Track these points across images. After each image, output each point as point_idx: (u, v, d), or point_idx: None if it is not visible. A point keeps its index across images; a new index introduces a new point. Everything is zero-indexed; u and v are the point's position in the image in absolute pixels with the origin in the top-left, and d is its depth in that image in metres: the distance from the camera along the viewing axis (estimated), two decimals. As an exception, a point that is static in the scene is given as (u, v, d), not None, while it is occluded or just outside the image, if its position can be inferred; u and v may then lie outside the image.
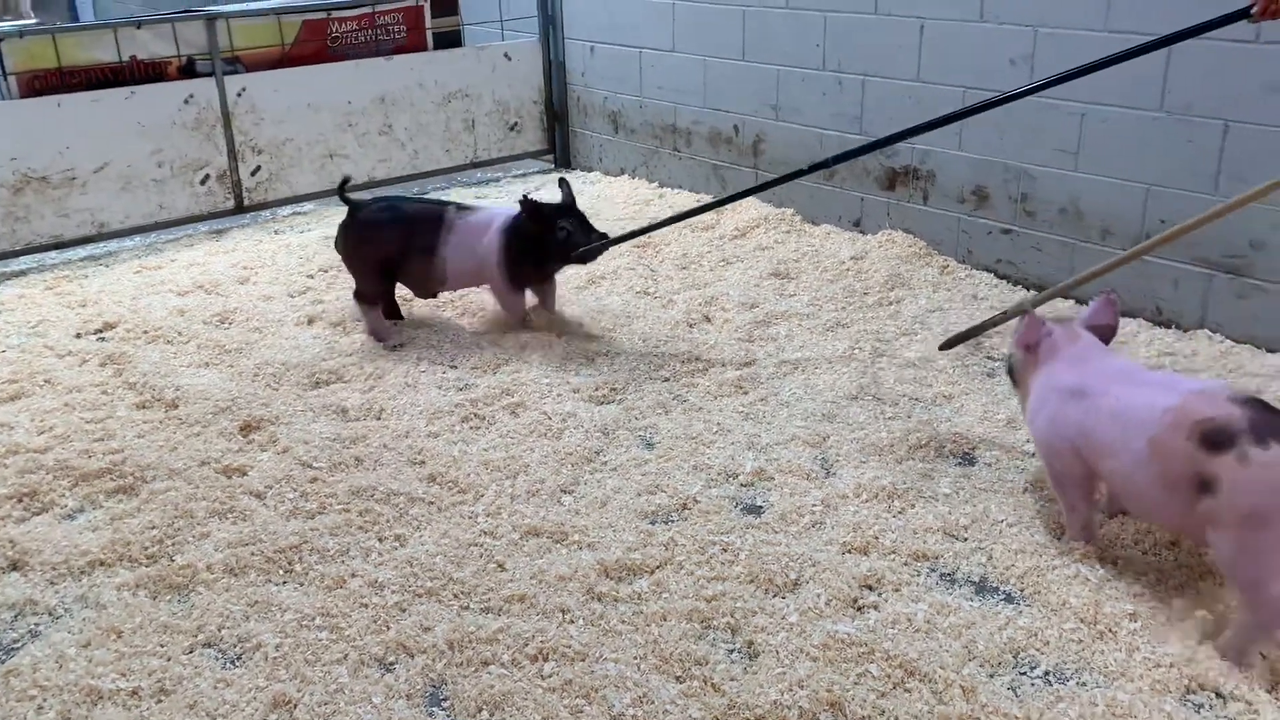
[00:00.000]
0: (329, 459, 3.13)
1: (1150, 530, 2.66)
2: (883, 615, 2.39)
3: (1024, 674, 2.23)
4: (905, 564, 2.59)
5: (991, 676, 2.22)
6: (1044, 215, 4.25)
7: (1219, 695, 2.15)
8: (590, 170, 6.41)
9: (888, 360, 3.73)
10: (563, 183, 4.07)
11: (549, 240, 3.86)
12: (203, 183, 5.41)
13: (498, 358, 3.81)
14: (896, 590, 2.49)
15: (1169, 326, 3.90)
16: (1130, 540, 2.65)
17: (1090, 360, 2.56)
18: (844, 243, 4.84)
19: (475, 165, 6.34)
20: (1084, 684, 2.19)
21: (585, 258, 3.92)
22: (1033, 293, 4.06)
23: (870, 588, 2.51)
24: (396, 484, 2.98)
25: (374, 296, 4.01)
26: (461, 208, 4.07)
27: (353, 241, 4.00)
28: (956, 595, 2.48)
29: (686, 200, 5.59)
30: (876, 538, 2.68)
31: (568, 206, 3.93)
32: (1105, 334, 2.68)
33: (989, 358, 3.73)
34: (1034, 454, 2.99)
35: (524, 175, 6.46)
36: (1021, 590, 2.48)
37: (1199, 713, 2.11)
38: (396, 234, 3.96)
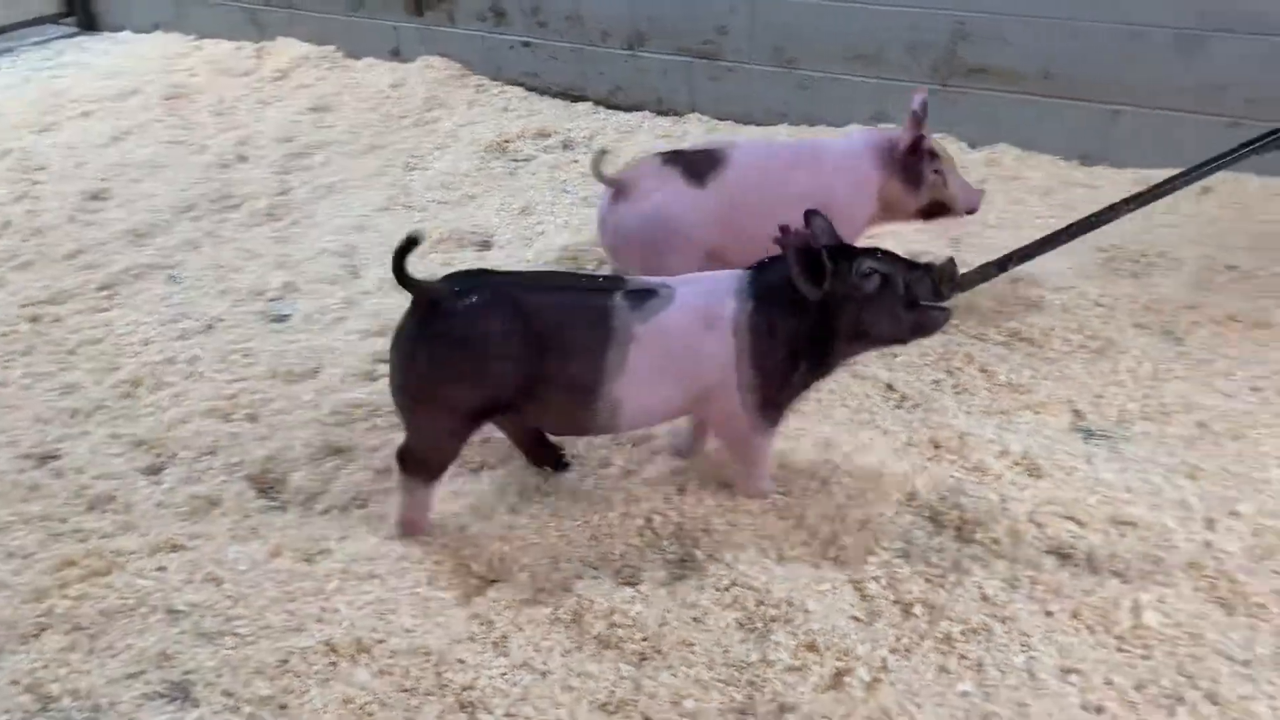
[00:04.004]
0: None
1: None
2: (393, 380, 2.65)
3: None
4: (418, 337, 2.85)
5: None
6: (555, 25, 4.56)
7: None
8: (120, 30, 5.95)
9: (419, 173, 3.93)
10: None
11: (847, 300, 2.00)
12: None
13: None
14: (407, 358, 2.75)
15: (667, 115, 4.38)
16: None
17: None
18: (385, 72, 4.92)
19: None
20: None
21: (933, 324, 2.06)
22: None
23: (384, 361, 2.75)
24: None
25: (441, 463, 2.10)
26: (640, 293, 2.03)
27: (436, 362, 1.99)
28: (461, 353, 2.78)
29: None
30: (393, 320, 2.92)
31: (847, 245, 2.08)
32: None
33: (512, 159, 4.03)
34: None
35: (43, 42, 5.89)
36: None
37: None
38: (522, 352, 1.98)
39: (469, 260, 3.24)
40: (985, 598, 1.89)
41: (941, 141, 3.82)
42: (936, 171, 2.68)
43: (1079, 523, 2.05)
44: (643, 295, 2.01)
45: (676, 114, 4.36)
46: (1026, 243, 2.63)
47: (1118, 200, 2.65)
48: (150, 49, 5.56)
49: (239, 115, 4.54)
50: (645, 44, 4.38)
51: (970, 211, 2.78)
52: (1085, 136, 3.60)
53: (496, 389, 1.98)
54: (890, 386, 2.54)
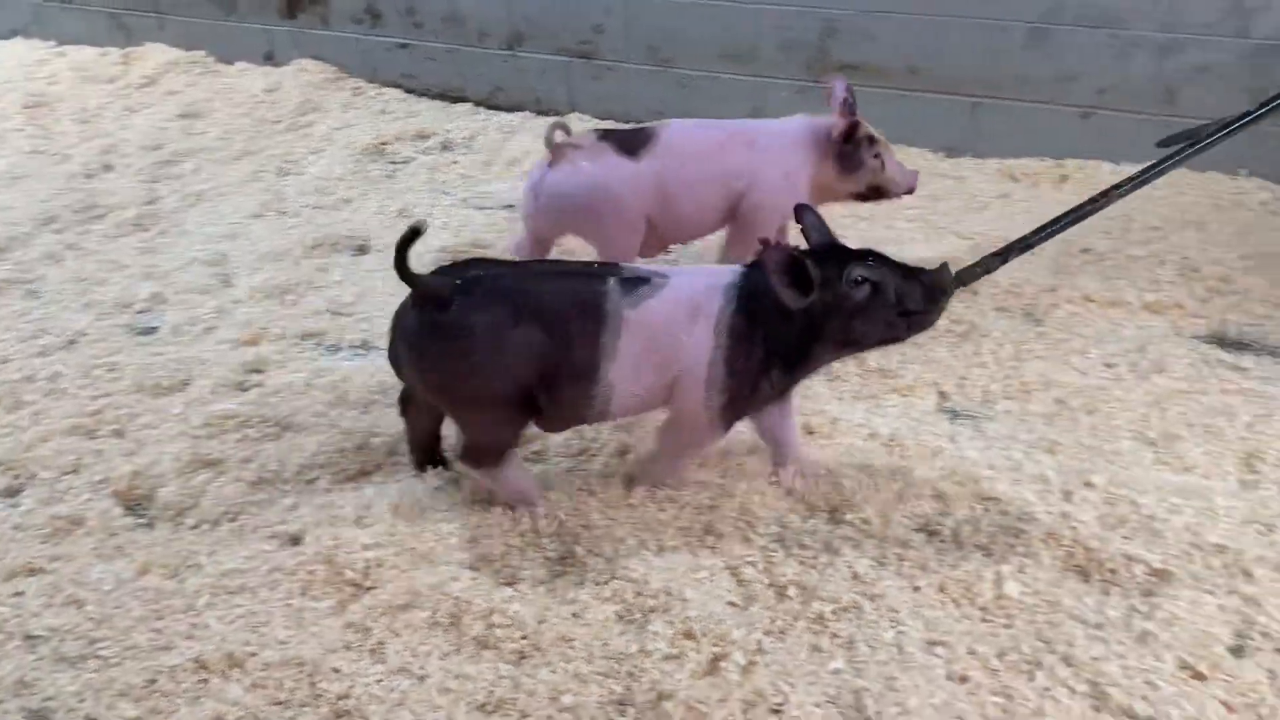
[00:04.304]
0: None
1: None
2: (265, 389, 2.59)
3: (392, 404, 2.54)
4: (292, 344, 2.80)
5: (364, 412, 2.50)
6: (431, 26, 4.52)
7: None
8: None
9: (294, 178, 3.85)
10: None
11: (835, 310, 1.96)
12: None
13: None
14: (281, 367, 2.69)
15: (548, 114, 4.37)
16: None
17: None
18: (258, 77, 4.82)
19: None
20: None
21: (926, 320, 2.04)
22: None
23: (258, 370, 2.69)
24: None
25: (502, 445, 2.07)
26: (632, 280, 2.03)
27: (459, 355, 1.97)
28: (338, 359, 2.74)
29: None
30: (266, 328, 2.86)
31: (838, 246, 2.04)
32: None
33: (390, 162, 3.98)
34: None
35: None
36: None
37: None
38: (537, 338, 1.98)
39: (344, 265, 3.20)
40: (856, 576, 1.94)
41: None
42: (875, 156, 2.74)
43: (945, 500, 2.11)
44: (634, 281, 2.00)
45: (557, 113, 4.34)
46: (1023, 233, 2.60)
47: (1108, 186, 2.65)
48: (8, 56, 5.33)
49: (104, 123, 4.40)
50: (524, 44, 4.37)
51: (908, 191, 2.84)
52: (949, 129, 3.72)
53: (518, 376, 1.96)
54: (766, 376, 2.59)
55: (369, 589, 1.95)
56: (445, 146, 4.08)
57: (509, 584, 1.95)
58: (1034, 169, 3.60)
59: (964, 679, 1.74)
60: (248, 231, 3.45)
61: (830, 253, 1.97)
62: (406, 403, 2.21)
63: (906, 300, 1.94)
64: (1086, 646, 1.77)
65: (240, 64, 4.98)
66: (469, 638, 1.83)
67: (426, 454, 2.25)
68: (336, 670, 1.77)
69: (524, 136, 4.14)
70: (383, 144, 4.07)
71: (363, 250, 3.33)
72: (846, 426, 2.35)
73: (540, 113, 4.36)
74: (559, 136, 2.71)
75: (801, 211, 2.03)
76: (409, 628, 1.85)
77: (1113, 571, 1.94)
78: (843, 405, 2.46)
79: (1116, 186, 2.62)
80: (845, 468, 2.21)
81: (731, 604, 1.91)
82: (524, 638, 1.83)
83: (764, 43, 3.95)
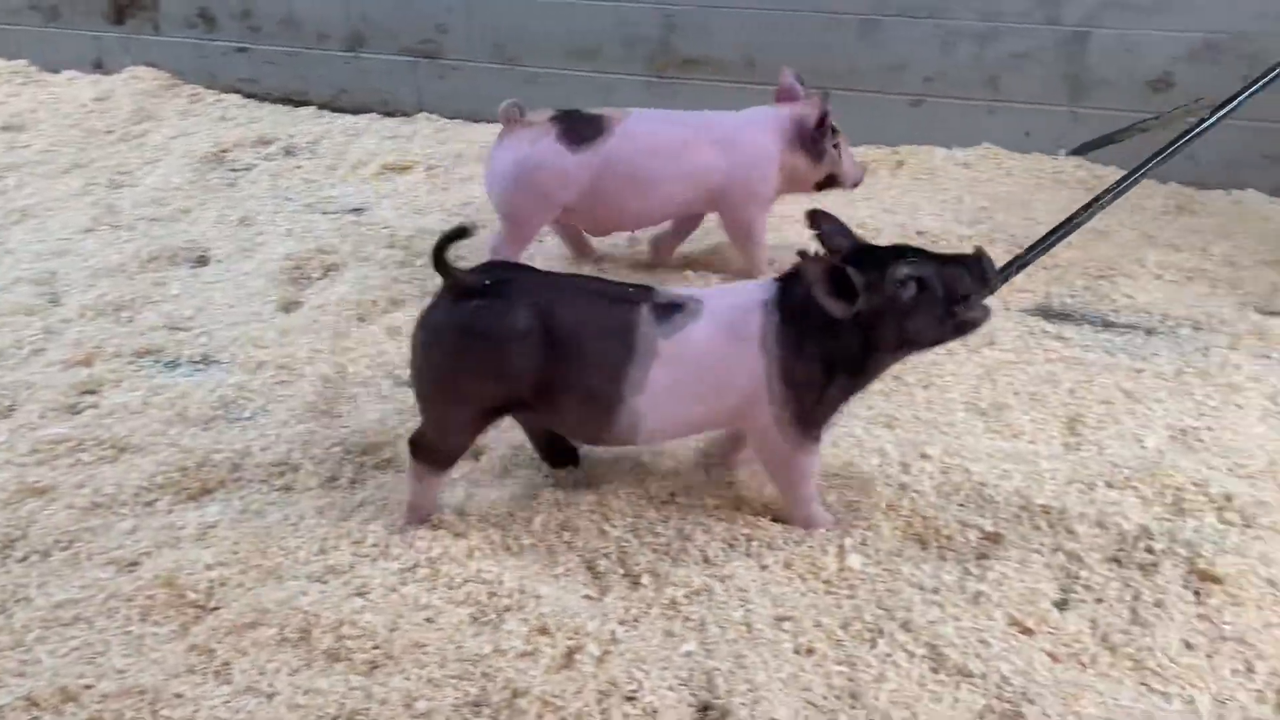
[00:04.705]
0: None
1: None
2: (100, 410, 2.49)
3: (234, 419, 2.47)
4: (128, 363, 2.69)
5: (205, 429, 2.43)
6: (269, 29, 4.40)
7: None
8: None
9: (128, 190, 3.70)
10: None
11: (888, 316, 1.89)
12: None
13: None
14: (116, 386, 2.58)
15: (394, 115, 4.31)
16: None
17: None
18: (86, 86, 4.61)
19: None
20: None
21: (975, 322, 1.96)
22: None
23: (91, 391, 2.58)
24: None
25: (454, 454, 2.08)
26: (667, 306, 1.96)
27: (445, 354, 1.96)
28: (176, 376, 2.65)
29: None
30: (100, 347, 2.74)
31: (873, 248, 1.96)
32: None
33: (230, 169, 3.86)
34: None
35: None
36: (234, 357, 2.70)
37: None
38: (540, 355, 1.93)
39: (182, 278, 3.09)
40: (707, 560, 1.98)
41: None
42: (835, 145, 2.82)
43: (791, 480, 2.17)
44: (669, 308, 1.94)
45: (405, 114, 4.30)
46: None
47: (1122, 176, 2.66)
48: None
49: (-85, 140, 4.13)
50: (365, 45, 4.30)
51: (856, 184, 2.93)
52: (790, 119, 3.82)
53: (512, 386, 1.94)
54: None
55: (213, 609, 1.89)
56: (288, 151, 3.98)
57: (359, 594, 1.91)
58: (871, 156, 3.72)
59: (810, 651, 1.79)
60: (78, 247, 3.30)
61: (867, 255, 1.88)
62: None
63: (956, 286, 1.87)
64: (924, 611, 1.85)
65: (68, 73, 4.75)
66: (319, 651, 1.80)
67: (557, 451, 2.20)
68: (179, 695, 1.71)
69: (368, 139, 4.07)
70: (223, 151, 3.95)
71: (202, 262, 3.23)
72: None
73: (387, 114, 4.30)
74: (513, 114, 2.72)
75: (817, 218, 1.96)
76: (256, 646, 1.81)
77: (948, 538, 2.03)
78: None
79: (1098, 199, 2.61)
80: (693, 458, 2.25)
81: (587, 597, 1.92)
82: (375, 647, 1.80)
83: (607, 39, 3.98)
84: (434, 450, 2.03)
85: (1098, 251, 3.08)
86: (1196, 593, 1.86)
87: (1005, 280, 2.47)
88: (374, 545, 2.03)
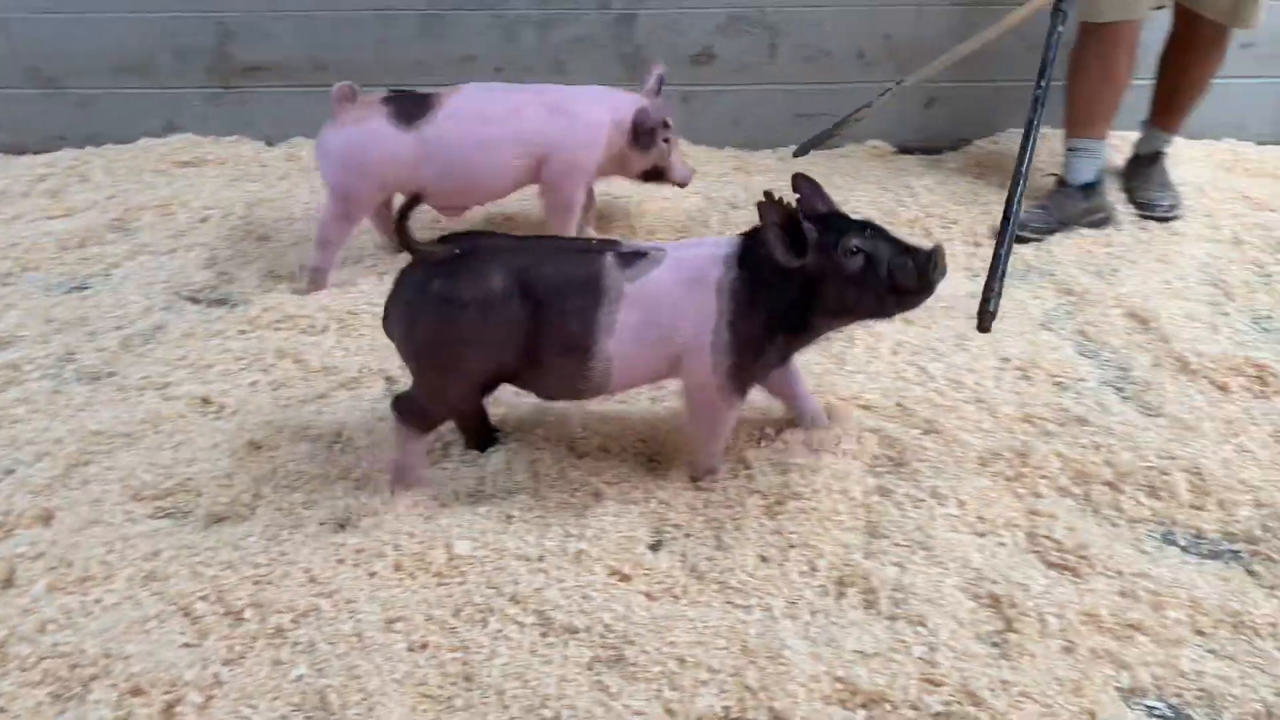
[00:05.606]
0: None
1: None
2: None
3: None
4: None
5: None
6: None
7: None
8: None
9: None
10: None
11: (831, 279, 1.97)
12: None
13: None
14: None
15: None
16: None
17: None
18: None
19: None
20: None
21: (916, 300, 2.03)
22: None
23: None
24: None
25: (439, 419, 2.18)
26: (630, 254, 2.06)
27: (433, 326, 2.01)
28: None
29: None
30: None
31: (839, 215, 2.03)
32: None
33: None
34: None
35: None
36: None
37: None
38: (522, 314, 2.00)
39: None
40: (312, 579, 1.93)
41: (241, 144, 3.82)
42: (666, 140, 2.89)
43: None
44: (633, 255, 2.03)
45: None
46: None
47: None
48: None
49: None
50: None
51: (683, 183, 3.00)
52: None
53: (501, 349, 2.00)
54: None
55: None
56: None
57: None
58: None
59: (424, 646, 1.80)
60: None
61: (830, 219, 1.98)
62: None
63: (898, 275, 1.95)
64: (530, 580, 1.91)
65: None
66: None
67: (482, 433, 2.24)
68: None
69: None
70: None
71: None
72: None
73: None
74: (347, 94, 2.75)
75: (799, 181, 2.03)
76: None
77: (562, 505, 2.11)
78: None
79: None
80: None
81: (186, 645, 1.81)
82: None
83: (159, 52, 3.73)
84: (420, 414, 2.10)
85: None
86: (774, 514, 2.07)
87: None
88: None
